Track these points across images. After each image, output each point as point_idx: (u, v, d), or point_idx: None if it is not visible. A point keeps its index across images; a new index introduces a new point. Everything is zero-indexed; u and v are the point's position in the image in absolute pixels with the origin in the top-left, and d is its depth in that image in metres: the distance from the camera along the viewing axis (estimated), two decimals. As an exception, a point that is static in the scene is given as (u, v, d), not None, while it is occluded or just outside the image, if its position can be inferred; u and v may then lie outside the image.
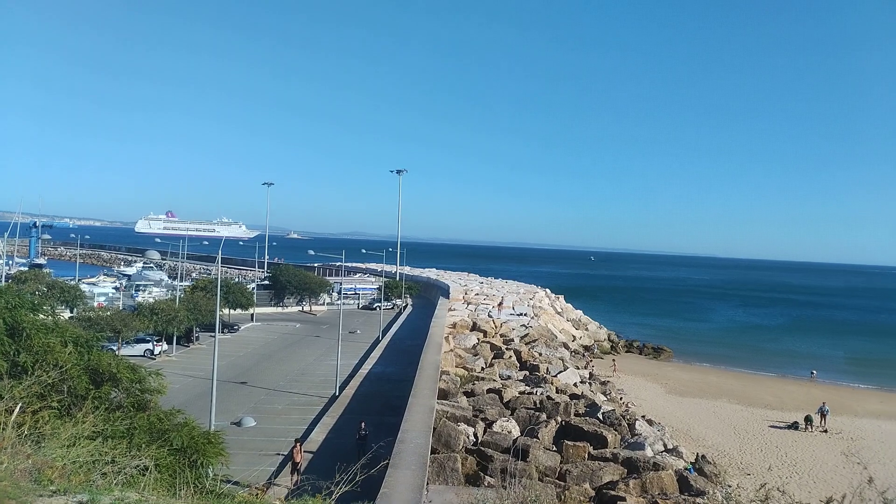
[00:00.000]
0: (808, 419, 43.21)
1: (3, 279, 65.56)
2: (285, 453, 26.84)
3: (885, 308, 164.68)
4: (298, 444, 24.99)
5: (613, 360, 65.90)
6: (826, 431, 42.79)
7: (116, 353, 42.16)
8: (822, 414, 43.72)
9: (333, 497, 8.33)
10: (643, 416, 39.35)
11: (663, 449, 32.68)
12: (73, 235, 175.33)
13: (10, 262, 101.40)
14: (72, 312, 51.34)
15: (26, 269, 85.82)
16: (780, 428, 43.47)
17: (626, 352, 75.58)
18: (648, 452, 29.87)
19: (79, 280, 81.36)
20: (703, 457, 32.62)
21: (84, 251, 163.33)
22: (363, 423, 28.54)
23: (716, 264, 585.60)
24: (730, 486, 30.78)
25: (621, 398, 47.44)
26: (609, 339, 79.98)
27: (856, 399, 54.66)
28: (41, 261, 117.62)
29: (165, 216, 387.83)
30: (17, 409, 8.92)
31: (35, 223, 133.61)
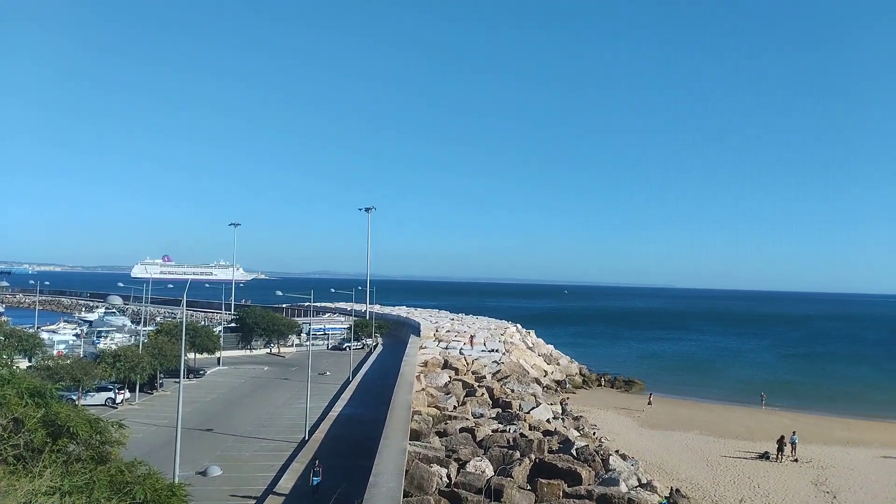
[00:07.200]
0: (780, 442, 43.52)
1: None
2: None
3: (859, 336, 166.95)
4: None
5: (650, 395, 65.74)
6: (797, 461, 43.16)
7: (76, 402, 40.91)
8: (793, 443, 44.17)
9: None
10: (617, 451, 39.24)
11: (637, 484, 32.54)
12: (32, 282, 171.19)
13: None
14: (30, 362, 49.75)
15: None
16: (752, 458, 43.74)
17: (598, 385, 75.62)
18: (623, 488, 29.72)
19: (38, 328, 79.08)
20: (678, 490, 32.59)
21: (43, 297, 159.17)
22: (316, 465, 28.16)
23: (687, 294, 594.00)
24: (704, 520, 30.79)
25: (594, 433, 47.33)
26: (581, 373, 79.98)
27: (823, 427, 55.31)
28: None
29: (162, 260, 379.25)
30: (-31, 468, 8.56)
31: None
